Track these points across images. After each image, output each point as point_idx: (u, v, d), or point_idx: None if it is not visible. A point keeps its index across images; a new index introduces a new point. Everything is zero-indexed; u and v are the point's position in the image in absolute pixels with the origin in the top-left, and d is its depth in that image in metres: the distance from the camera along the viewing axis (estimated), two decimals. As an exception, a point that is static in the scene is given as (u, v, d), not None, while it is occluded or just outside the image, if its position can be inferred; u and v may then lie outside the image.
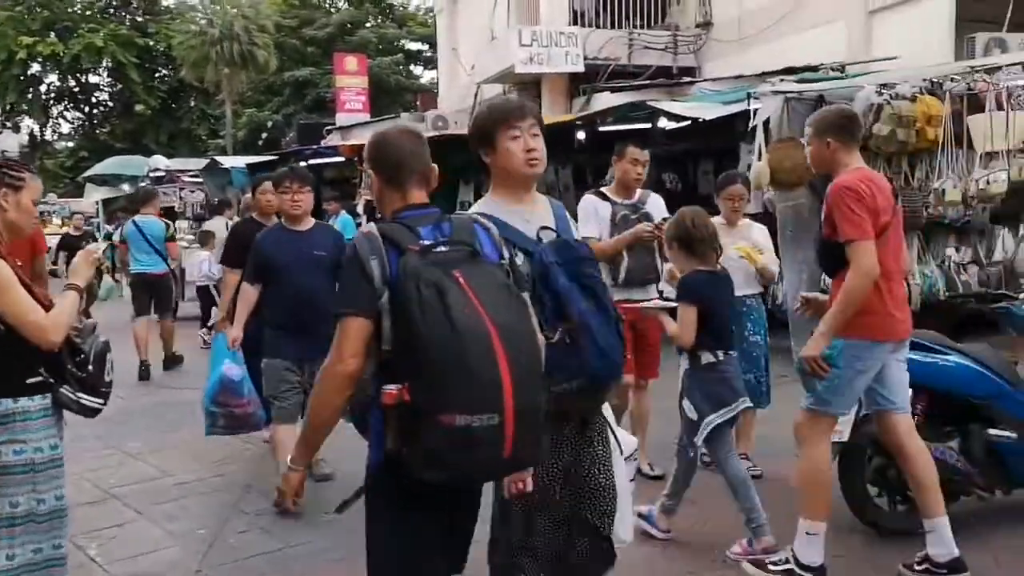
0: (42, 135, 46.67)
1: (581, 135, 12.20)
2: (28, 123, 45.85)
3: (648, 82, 14.11)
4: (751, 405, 4.56)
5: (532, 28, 15.36)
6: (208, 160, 17.86)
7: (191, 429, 6.28)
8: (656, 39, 15.43)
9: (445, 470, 2.16)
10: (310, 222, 5.21)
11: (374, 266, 2.26)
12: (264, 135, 35.31)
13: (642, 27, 15.79)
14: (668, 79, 14.70)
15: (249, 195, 8.07)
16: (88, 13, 41.83)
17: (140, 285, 9.56)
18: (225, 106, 34.97)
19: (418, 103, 26.69)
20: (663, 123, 11.05)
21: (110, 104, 46.04)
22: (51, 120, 46.17)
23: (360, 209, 13.65)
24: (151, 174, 19.20)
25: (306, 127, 25.94)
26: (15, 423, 2.90)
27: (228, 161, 17.09)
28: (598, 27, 15.55)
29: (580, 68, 14.94)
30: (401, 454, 2.17)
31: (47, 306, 2.95)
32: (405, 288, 2.17)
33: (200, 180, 17.05)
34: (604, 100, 13.01)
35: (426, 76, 40.61)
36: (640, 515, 4.24)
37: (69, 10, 41.34)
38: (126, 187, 21.79)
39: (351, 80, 24.39)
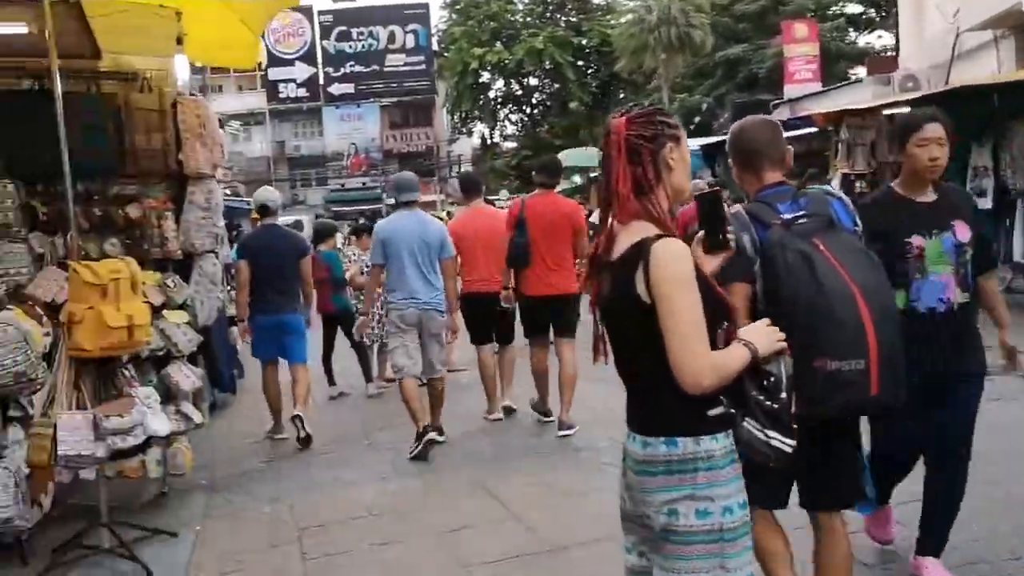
0: (491, 137, 50.99)
1: None
2: (479, 128, 50.42)
3: None
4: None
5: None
6: None
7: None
8: None
9: (820, 407, 2.49)
10: None
11: (746, 240, 2.68)
12: (696, 119, 34.62)
13: None
14: None
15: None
16: (528, 20, 44.57)
17: None
18: (660, 92, 34.78)
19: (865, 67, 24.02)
20: None
21: (548, 104, 48.80)
22: (498, 123, 50.14)
23: (836, 184, 11.88)
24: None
25: (742, 106, 24.68)
26: (698, 473, 2.00)
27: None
28: None
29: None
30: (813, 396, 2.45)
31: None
32: (773, 256, 2.59)
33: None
34: None
35: (861, 40, 36.93)
36: None
37: (512, 19, 44.37)
38: (576, 178, 22.18)
39: (800, 48, 22.38)
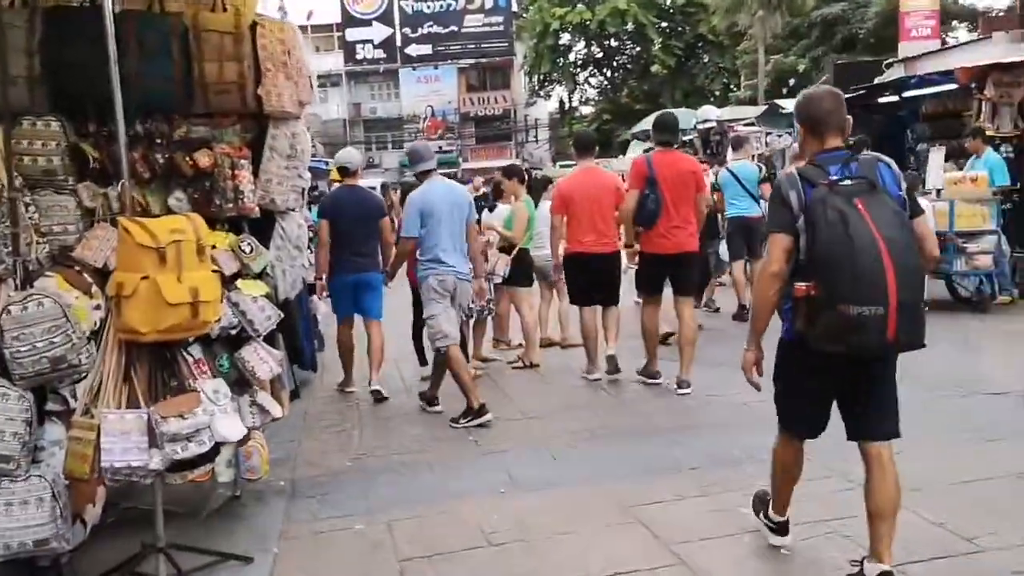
0: (570, 101, 49.66)
1: None
2: (558, 91, 49.14)
3: None
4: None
5: None
6: (768, 105, 16.05)
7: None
8: None
9: (842, 345, 2.98)
10: None
11: (792, 197, 3.12)
12: (791, 81, 32.77)
13: None
14: None
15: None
16: (613, -22, 42.87)
17: (737, 229, 9.40)
18: (756, 53, 33.00)
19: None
20: None
21: (629, 67, 47.28)
22: (578, 86, 48.76)
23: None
24: (699, 126, 18.14)
25: (843, 67, 23.12)
26: None
27: (791, 104, 14.90)
28: None
29: None
30: (806, 333, 3.09)
31: None
32: (815, 212, 3.01)
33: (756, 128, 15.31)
34: None
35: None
36: None
37: (597, -23, 42.72)
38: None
39: (919, 3, 20.44)
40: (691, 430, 5.49)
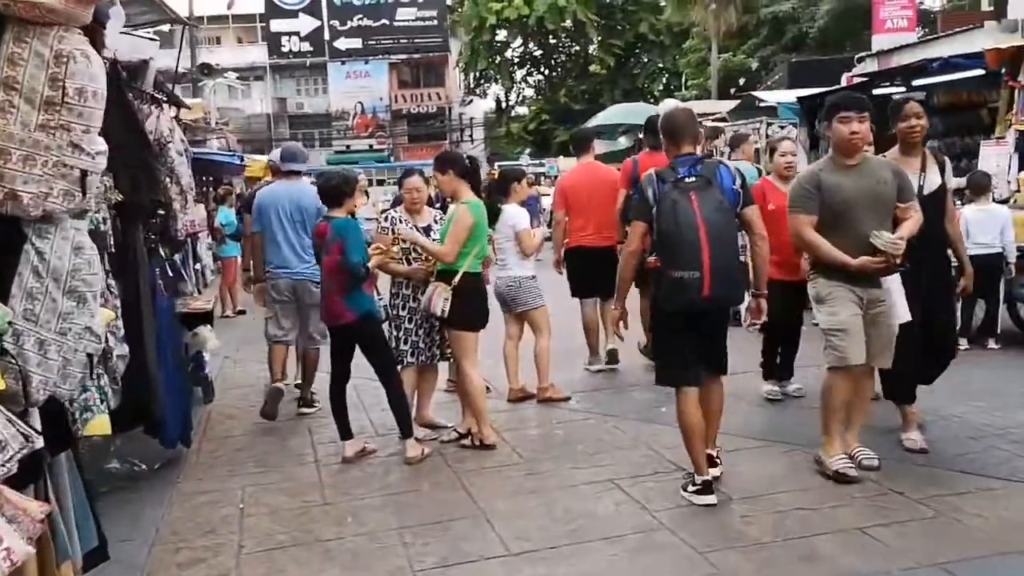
0: (507, 100, 47.95)
1: None
2: (494, 89, 47.42)
3: None
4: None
5: None
6: (742, 98, 14.41)
7: None
8: None
9: (673, 303, 4.04)
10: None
11: (649, 192, 4.08)
12: (741, 81, 31.53)
13: None
14: None
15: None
16: (550, -28, 41.30)
17: None
18: (703, 51, 31.70)
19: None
20: None
21: (568, 66, 45.93)
22: (515, 85, 47.09)
23: (1010, 141, 8.80)
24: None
25: (799, 65, 21.89)
26: None
27: (772, 96, 13.26)
28: None
29: None
30: (657, 295, 4.18)
31: None
32: (661, 203, 4.01)
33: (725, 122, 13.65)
34: None
35: None
36: None
37: (533, -29, 41.11)
38: (623, 140, 19.11)
39: (893, -8, 18.99)
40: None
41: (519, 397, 6.11)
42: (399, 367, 5.22)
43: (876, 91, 11.33)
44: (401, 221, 5.41)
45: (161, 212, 4.54)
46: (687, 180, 3.94)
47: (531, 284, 6.02)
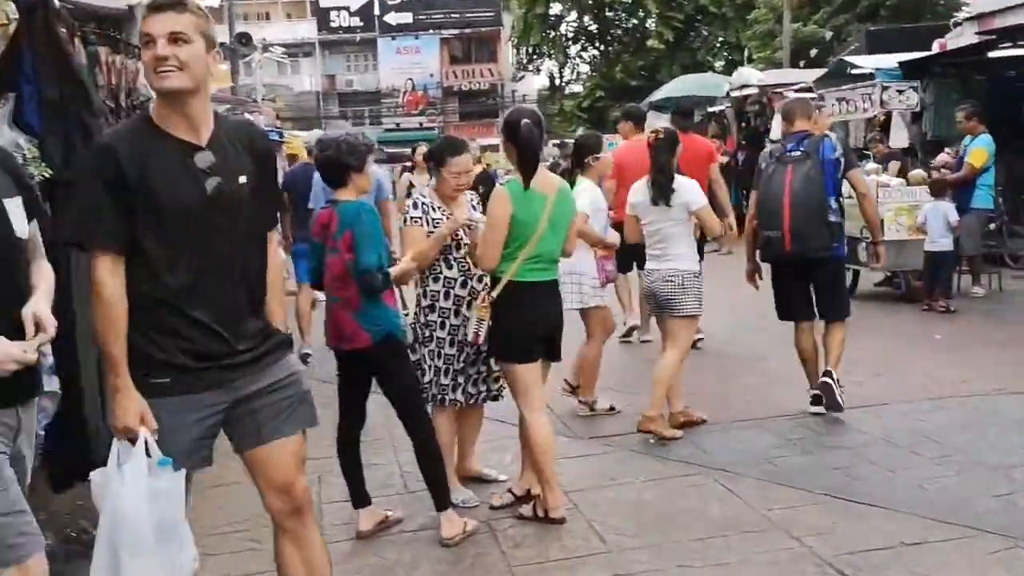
0: (560, 76, 46.85)
1: None
2: (548, 65, 46.32)
3: None
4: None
5: None
6: (834, 63, 13.30)
7: None
8: None
9: (765, 256, 5.14)
10: None
11: (762, 165, 5.10)
12: (812, 52, 30.06)
13: None
14: None
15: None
16: (608, -58, 40.08)
17: None
18: (769, 23, 30.15)
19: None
20: None
21: (624, 41, 44.59)
22: (569, 60, 45.98)
23: None
24: (733, 93, 15.28)
25: (877, 35, 20.43)
26: None
27: (868, 62, 12.01)
28: None
29: None
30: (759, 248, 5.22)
31: None
32: (763, 174, 5.04)
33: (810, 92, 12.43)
34: None
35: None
36: None
37: (590, -58, 39.92)
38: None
39: (987, -49, 17.38)
40: None
41: (680, 423, 4.96)
42: (432, 408, 3.93)
43: (992, 54, 10.07)
44: (434, 208, 3.98)
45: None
46: (790, 154, 4.90)
47: (695, 283, 4.82)
